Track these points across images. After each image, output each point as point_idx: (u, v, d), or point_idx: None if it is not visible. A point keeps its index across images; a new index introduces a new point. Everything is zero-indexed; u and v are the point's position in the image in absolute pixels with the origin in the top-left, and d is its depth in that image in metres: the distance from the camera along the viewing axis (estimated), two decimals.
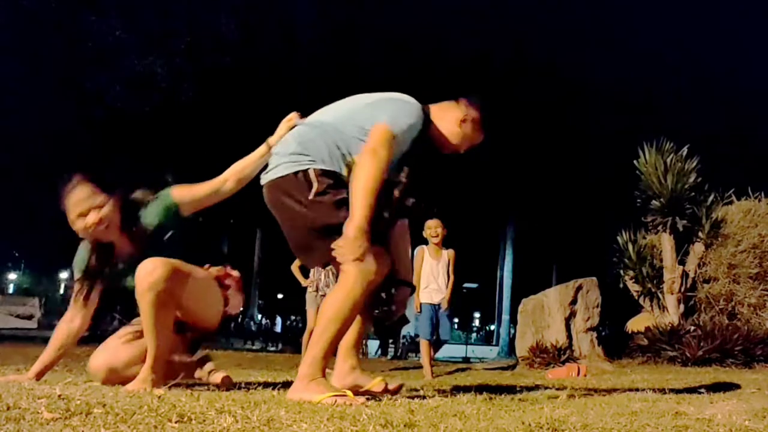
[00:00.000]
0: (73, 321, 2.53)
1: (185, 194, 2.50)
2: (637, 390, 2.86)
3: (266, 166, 2.37)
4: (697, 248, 6.73)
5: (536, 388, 3.12)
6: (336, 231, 2.11)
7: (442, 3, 19.30)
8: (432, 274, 5.57)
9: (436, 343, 5.67)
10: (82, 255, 2.51)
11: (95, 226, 2.34)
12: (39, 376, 2.50)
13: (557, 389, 2.96)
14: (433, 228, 5.58)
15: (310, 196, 2.17)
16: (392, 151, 2.21)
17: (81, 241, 2.53)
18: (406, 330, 20.89)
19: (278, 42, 16.93)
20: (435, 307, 5.54)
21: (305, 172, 2.20)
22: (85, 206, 2.34)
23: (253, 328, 24.46)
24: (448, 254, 5.65)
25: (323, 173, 2.20)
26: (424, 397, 2.28)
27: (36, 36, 15.78)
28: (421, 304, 5.56)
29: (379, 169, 2.14)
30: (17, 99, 18.14)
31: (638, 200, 7.14)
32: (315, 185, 2.18)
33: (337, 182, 2.21)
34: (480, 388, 2.88)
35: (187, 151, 16.43)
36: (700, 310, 6.53)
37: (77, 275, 2.51)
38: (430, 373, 5.44)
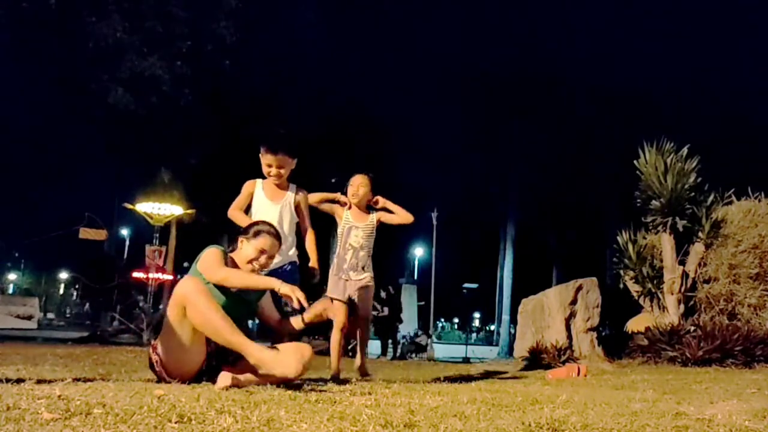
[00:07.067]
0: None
1: None
2: (637, 390, 2.86)
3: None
4: (698, 248, 6.72)
5: (536, 388, 3.12)
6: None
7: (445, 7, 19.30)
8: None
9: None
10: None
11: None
12: None
13: (557, 389, 2.96)
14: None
15: None
16: None
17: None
18: (405, 330, 20.89)
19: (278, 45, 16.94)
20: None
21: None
22: (276, 251, 3.07)
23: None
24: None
25: None
26: (424, 397, 2.28)
27: (36, 36, 15.76)
28: None
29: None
30: (18, 100, 18.14)
31: (638, 200, 7.13)
32: None
33: None
34: (480, 389, 2.88)
35: (186, 151, 16.44)
36: (700, 310, 6.52)
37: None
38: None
